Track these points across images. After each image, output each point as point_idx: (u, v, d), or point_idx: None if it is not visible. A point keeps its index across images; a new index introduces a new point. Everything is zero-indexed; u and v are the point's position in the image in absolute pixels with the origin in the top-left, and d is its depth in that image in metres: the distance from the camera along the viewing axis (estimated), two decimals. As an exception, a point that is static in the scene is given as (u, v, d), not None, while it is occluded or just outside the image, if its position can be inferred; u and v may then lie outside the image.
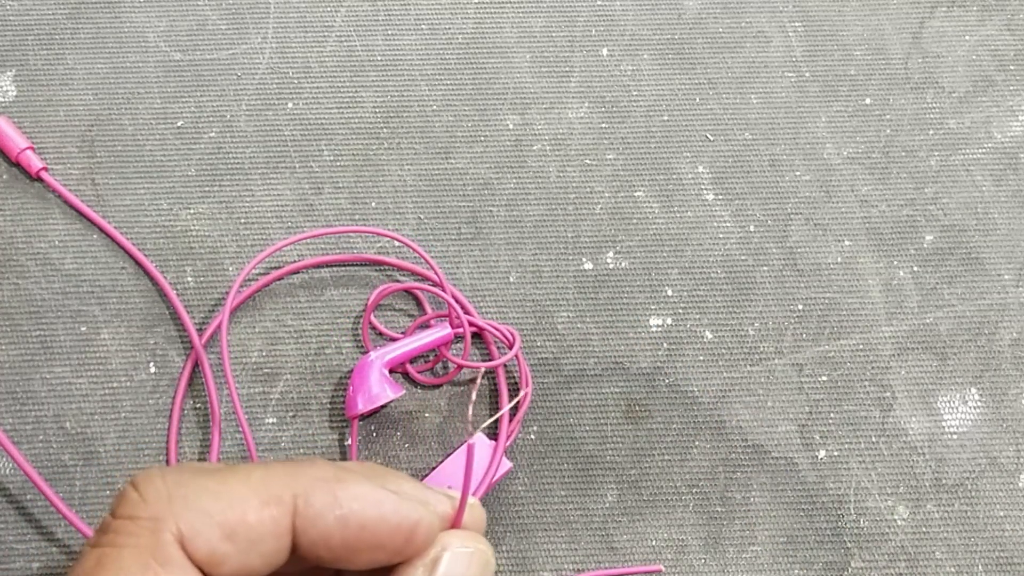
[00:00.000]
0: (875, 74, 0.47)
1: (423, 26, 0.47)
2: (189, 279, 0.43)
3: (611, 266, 0.44)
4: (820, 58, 0.47)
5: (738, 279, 0.44)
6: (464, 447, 0.40)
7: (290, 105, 0.45)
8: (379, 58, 0.46)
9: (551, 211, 0.44)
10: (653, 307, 0.43)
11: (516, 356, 0.41)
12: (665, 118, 0.46)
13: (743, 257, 0.44)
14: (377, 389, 0.39)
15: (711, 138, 0.46)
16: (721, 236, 0.44)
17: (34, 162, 0.43)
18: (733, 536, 0.41)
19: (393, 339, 0.42)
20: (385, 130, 0.45)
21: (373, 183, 0.44)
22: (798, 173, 0.45)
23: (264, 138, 0.45)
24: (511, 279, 0.43)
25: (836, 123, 0.46)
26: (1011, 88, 0.48)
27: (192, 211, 0.44)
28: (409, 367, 0.41)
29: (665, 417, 0.42)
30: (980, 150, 0.46)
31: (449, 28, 0.47)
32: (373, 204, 0.44)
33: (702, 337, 0.43)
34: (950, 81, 0.48)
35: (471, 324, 0.41)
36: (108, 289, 0.42)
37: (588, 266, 0.44)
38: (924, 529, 0.41)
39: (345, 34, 0.47)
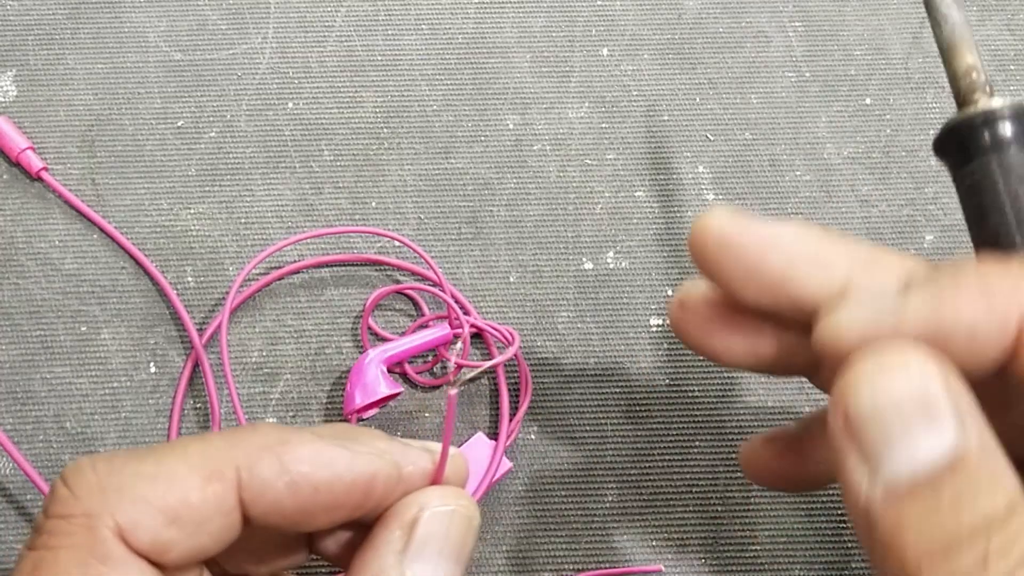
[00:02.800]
0: (875, 74, 0.47)
1: (423, 26, 0.47)
2: (189, 279, 0.43)
3: (611, 266, 0.44)
4: (820, 58, 0.47)
5: (738, 279, 0.44)
6: (468, 443, 0.40)
7: (290, 105, 0.45)
8: (379, 58, 0.46)
9: (551, 211, 0.44)
10: (653, 307, 0.43)
11: (515, 356, 0.41)
12: (665, 118, 0.46)
13: (743, 257, 0.44)
14: (374, 384, 0.39)
15: (711, 138, 0.46)
16: (721, 236, 0.44)
17: (34, 162, 0.43)
18: (733, 536, 0.41)
19: (392, 341, 0.42)
20: (385, 130, 0.45)
21: (373, 183, 0.44)
22: (798, 173, 0.45)
23: (264, 138, 0.45)
24: (511, 279, 0.43)
25: (836, 123, 0.46)
26: (1011, 88, 0.48)
27: (192, 211, 0.44)
28: (408, 368, 0.41)
29: (665, 417, 0.42)
30: (980, 150, 0.46)
31: (449, 28, 0.47)
32: (373, 204, 0.44)
33: (702, 337, 0.43)
34: (950, 81, 0.48)
35: (470, 325, 0.41)
36: (108, 289, 0.42)
37: (588, 266, 0.44)
38: (924, 529, 0.41)
39: (345, 34, 0.47)
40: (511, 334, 0.41)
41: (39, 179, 0.43)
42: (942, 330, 0.21)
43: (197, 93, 0.45)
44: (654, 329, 0.43)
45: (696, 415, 0.42)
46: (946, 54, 0.25)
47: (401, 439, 0.26)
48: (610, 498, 0.41)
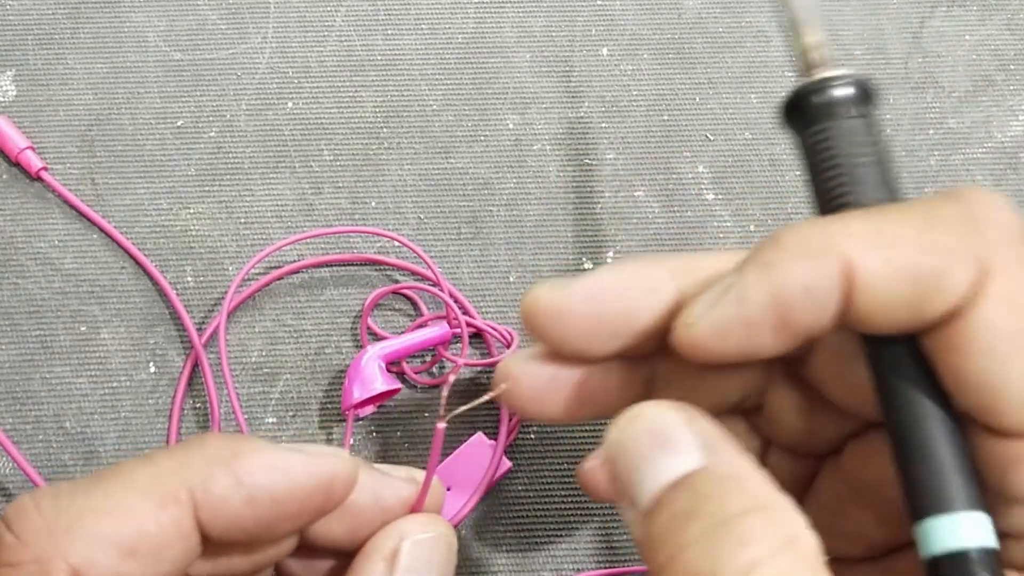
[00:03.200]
0: (875, 74, 0.47)
1: (423, 26, 0.47)
2: (189, 279, 0.43)
3: (611, 266, 0.44)
4: (820, 58, 0.47)
5: (738, 279, 0.44)
6: (468, 443, 0.40)
7: (290, 105, 0.45)
8: (379, 58, 0.46)
9: (551, 211, 0.44)
10: (653, 307, 0.43)
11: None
12: (665, 118, 0.46)
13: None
14: (372, 379, 0.39)
15: (711, 138, 0.46)
16: (721, 236, 0.44)
17: (34, 162, 0.43)
18: (733, 536, 0.40)
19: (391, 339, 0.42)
20: (385, 130, 0.45)
21: (373, 183, 0.44)
22: (798, 173, 0.45)
23: (264, 138, 0.45)
24: (511, 279, 0.43)
25: (836, 123, 0.46)
26: (1011, 88, 0.48)
27: (192, 211, 0.44)
28: (407, 367, 0.41)
29: (665, 417, 0.42)
30: (980, 150, 0.46)
31: (449, 28, 0.47)
32: (373, 204, 0.44)
33: (702, 337, 0.43)
34: (950, 81, 0.48)
35: (469, 324, 0.41)
36: (108, 289, 0.42)
37: (588, 266, 0.44)
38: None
39: (345, 34, 0.47)
40: (511, 334, 0.41)
41: (39, 179, 0.43)
42: (782, 297, 0.21)
43: (197, 93, 0.45)
44: (654, 329, 0.43)
45: (696, 415, 0.42)
46: (795, 30, 0.28)
47: (379, 467, 0.25)
48: (610, 498, 0.41)
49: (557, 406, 0.26)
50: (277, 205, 0.44)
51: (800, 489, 0.28)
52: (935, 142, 0.46)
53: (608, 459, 0.22)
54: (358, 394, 0.39)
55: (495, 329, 0.41)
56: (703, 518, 0.20)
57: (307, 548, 0.25)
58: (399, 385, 0.40)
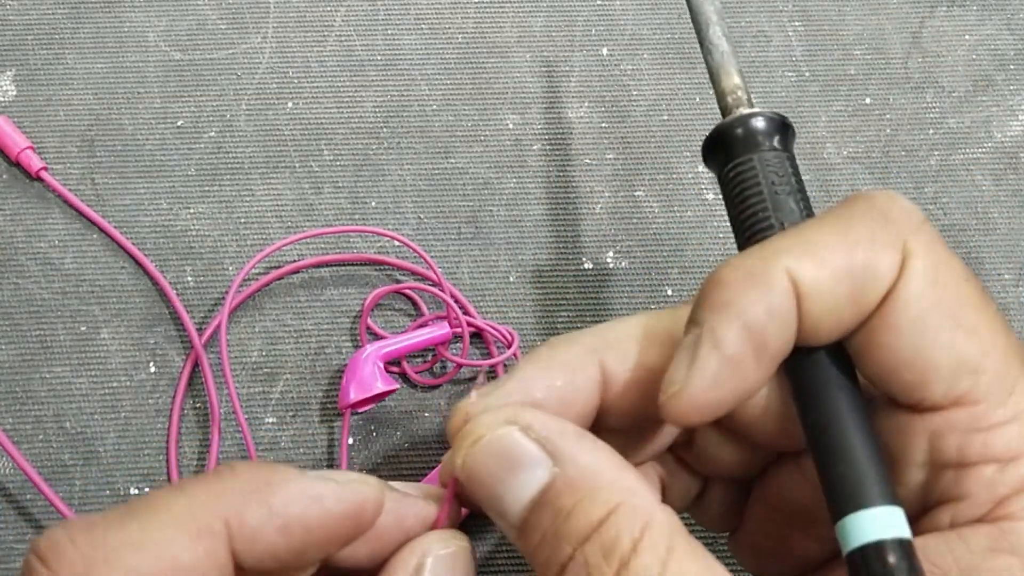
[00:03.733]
0: (875, 74, 0.47)
1: (423, 26, 0.47)
2: (189, 279, 0.43)
3: (611, 266, 0.44)
4: (820, 58, 0.47)
5: (738, 279, 0.44)
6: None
7: (290, 105, 0.45)
8: (379, 58, 0.46)
9: (551, 211, 0.44)
10: (653, 307, 0.43)
11: (515, 356, 0.41)
12: (665, 118, 0.46)
13: (743, 257, 0.44)
14: (370, 379, 0.39)
15: (711, 138, 0.46)
16: (721, 236, 0.44)
17: (34, 162, 0.43)
18: (733, 536, 0.40)
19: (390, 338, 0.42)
20: (385, 130, 0.45)
21: (373, 183, 0.44)
22: (798, 173, 0.45)
23: (264, 138, 0.45)
24: (511, 279, 0.43)
25: (836, 123, 0.46)
26: (1011, 88, 0.48)
27: (192, 211, 0.44)
28: (407, 367, 0.41)
29: (665, 417, 0.42)
30: (980, 150, 0.46)
31: (449, 28, 0.47)
32: (373, 204, 0.44)
33: (702, 337, 0.43)
34: (950, 81, 0.48)
35: (469, 324, 0.41)
36: (108, 289, 0.42)
37: (588, 266, 0.44)
38: (924, 529, 0.41)
39: (345, 34, 0.47)
40: (511, 334, 0.41)
41: (39, 179, 0.43)
42: (753, 326, 0.23)
43: (197, 93, 0.45)
44: (654, 329, 0.43)
45: (696, 415, 0.42)
46: (714, 76, 0.30)
47: (397, 486, 0.26)
48: (610, 498, 0.41)
49: None
50: (277, 205, 0.44)
51: (738, 513, 0.29)
52: (935, 142, 0.46)
53: (462, 481, 0.24)
54: (355, 394, 0.39)
55: (495, 329, 0.41)
56: (571, 537, 0.21)
57: (327, 570, 0.25)
58: (397, 386, 0.40)
